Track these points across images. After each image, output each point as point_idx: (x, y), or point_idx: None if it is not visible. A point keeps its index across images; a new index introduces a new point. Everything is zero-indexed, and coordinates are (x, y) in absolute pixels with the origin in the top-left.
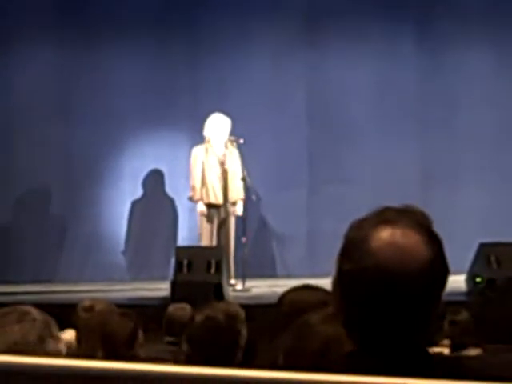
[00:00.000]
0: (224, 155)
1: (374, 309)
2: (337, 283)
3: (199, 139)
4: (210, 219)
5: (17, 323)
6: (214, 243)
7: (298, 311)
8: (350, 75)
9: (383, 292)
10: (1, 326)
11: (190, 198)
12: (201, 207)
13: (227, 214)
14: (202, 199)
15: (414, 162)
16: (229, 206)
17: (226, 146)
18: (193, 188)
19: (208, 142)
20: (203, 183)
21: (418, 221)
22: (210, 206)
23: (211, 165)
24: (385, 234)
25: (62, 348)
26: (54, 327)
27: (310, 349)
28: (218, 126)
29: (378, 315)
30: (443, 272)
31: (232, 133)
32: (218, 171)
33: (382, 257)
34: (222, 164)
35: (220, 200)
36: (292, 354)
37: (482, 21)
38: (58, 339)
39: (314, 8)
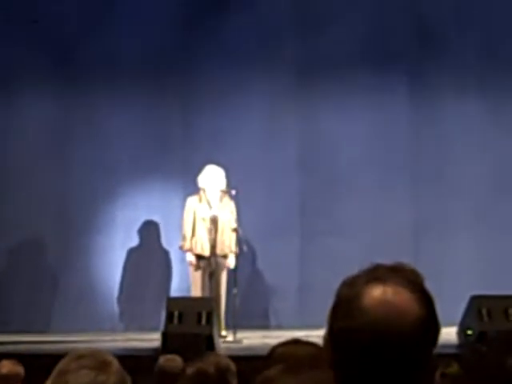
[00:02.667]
0: (217, 207)
1: (365, 366)
2: (328, 340)
3: (192, 190)
4: (199, 270)
5: (95, 370)
6: (205, 293)
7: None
8: (342, 127)
9: (375, 350)
10: (74, 368)
11: (180, 248)
12: (190, 257)
13: (217, 264)
14: (191, 249)
15: (406, 213)
16: (218, 258)
17: (221, 198)
18: (183, 238)
19: (203, 192)
20: (193, 234)
21: (410, 278)
22: (199, 256)
23: (202, 216)
24: (376, 292)
25: None
26: None
27: None
28: (211, 177)
29: (369, 373)
30: (435, 329)
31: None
32: (208, 223)
33: (374, 315)
34: (213, 216)
35: (207, 252)
36: None
37: (473, 73)
38: None
39: (306, 60)
